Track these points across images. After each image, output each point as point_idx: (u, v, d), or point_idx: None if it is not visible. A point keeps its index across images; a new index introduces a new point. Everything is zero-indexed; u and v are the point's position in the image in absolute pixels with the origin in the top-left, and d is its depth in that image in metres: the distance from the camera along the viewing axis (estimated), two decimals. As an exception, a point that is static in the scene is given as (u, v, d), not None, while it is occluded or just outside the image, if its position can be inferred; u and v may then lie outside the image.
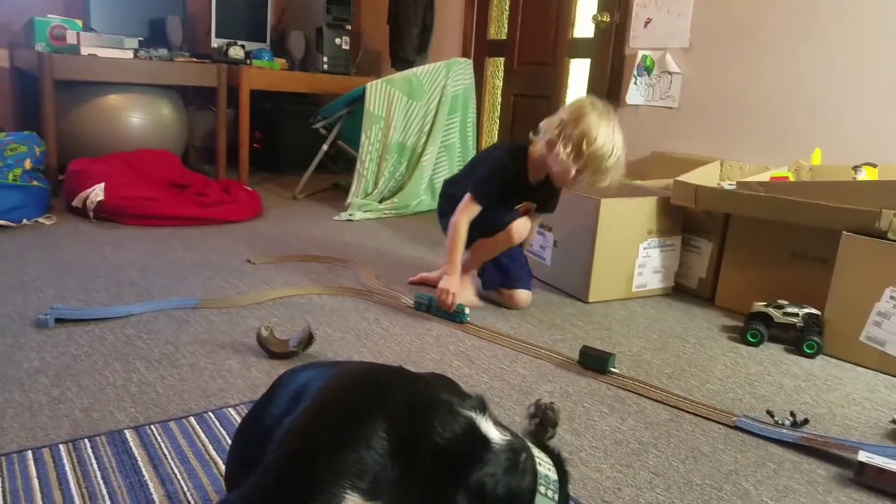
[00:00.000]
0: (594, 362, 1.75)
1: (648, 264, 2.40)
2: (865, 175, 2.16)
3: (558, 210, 2.41)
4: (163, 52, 3.83)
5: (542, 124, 2.02)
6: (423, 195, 3.63)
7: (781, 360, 1.94)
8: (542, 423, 1.29)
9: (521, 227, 2.10)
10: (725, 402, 1.65)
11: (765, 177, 2.28)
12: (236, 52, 4.09)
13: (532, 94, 3.93)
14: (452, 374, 1.64)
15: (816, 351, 1.95)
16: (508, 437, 0.86)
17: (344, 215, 3.37)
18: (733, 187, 2.28)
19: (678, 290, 2.51)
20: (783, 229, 2.15)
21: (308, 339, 1.68)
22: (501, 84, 4.16)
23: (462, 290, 2.11)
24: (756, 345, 2.02)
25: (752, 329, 2.03)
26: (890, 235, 1.85)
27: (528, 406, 1.32)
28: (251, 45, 4.25)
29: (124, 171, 3.12)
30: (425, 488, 0.77)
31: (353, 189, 3.52)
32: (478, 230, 2.10)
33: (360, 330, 1.91)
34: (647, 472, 1.32)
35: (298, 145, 4.27)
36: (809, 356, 1.96)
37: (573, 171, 1.94)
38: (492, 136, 4.29)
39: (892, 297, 1.84)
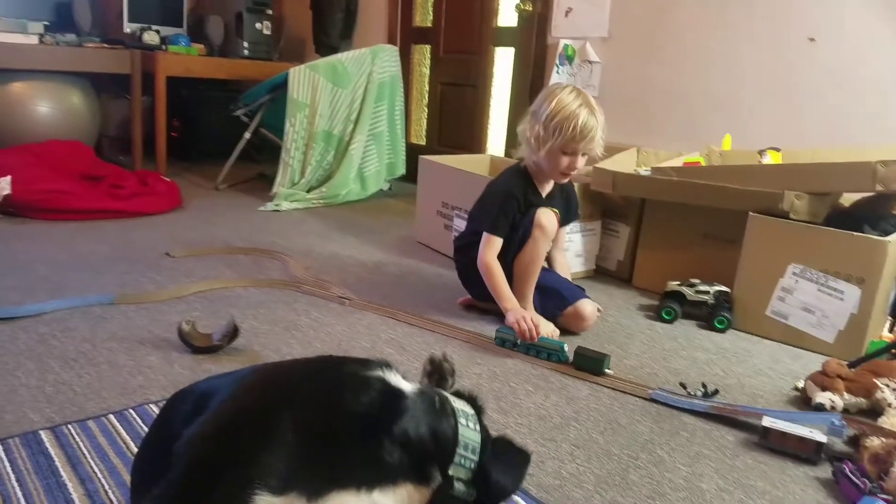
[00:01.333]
0: (589, 363, 1.71)
1: (571, 248, 2.48)
2: (770, 159, 2.30)
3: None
4: (71, 37, 3.65)
5: (518, 130, 1.98)
6: (352, 184, 3.60)
7: (694, 335, 2.05)
8: (441, 375, 1.36)
9: (546, 215, 1.93)
10: (642, 376, 1.73)
11: (678, 162, 2.39)
12: (151, 38, 3.93)
13: (459, 82, 3.96)
14: (382, 361, 1.67)
15: (726, 326, 2.07)
16: (419, 387, 0.91)
17: (270, 206, 3.32)
18: (648, 173, 2.38)
19: (599, 273, 2.60)
20: (695, 212, 2.26)
21: (233, 333, 1.65)
22: (428, 72, 4.16)
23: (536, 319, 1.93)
24: (670, 322, 2.12)
25: (667, 307, 2.13)
26: (792, 215, 1.98)
27: (424, 364, 1.38)
28: (167, 31, 4.10)
29: (33, 163, 2.96)
30: (355, 457, 0.79)
31: (278, 178, 3.46)
32: (510, 254, 1.97)
33: (288, 321, 1.90)
34: (569, 445, 1.37)
35: (219, 134, 4.14)
36: (720, 331, 2.07)
37: (555, 149, 1.86)
38: (420, 125, 4.30)
39: (794, 274, 1.97)
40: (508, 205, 1.95)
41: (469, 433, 0.89)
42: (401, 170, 3.82)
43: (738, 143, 2.61)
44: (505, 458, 0.92)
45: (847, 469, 1.28)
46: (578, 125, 1.82)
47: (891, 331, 2.04)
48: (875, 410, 1.56)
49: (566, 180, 2.01)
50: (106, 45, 3.80)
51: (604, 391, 1.63)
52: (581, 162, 1.91)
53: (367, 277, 2.37)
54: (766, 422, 1.41)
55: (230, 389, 0.87)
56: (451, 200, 2.66)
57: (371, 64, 3.58)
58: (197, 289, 2.08)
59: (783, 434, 1.39)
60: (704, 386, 1.63)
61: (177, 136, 4.38)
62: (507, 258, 1.97)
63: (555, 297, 2.00)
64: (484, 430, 0.92)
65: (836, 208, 2.14)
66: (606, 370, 1.72)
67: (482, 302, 2.08)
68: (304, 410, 0.79)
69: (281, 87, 3.45)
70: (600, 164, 2.42)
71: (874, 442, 1.31)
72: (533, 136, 1.90)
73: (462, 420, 0.89)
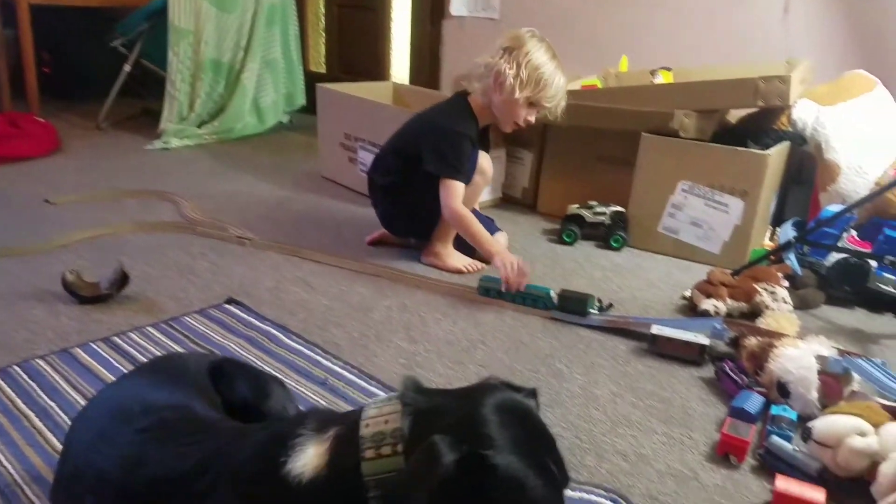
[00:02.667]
0: (574, 305, 1.66)
1: (476, 176, 2.48)
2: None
3: (390, 127, 2.36)
4: None
5: (477, 61, 1.88)
6: (247, 117, 3.44)
7: (593, 255, 2.13)
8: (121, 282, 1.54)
9: (486, 160, 1.97)
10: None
11: (576, 85, 2.41)
12: (7, -39, 3.52)
13: (356, 4, 3.79)
14: (290, 301, 1.66)
15: (622, 244, 2.16)
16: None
17: (158, 144, 3.12)
18: (547, 96, 2.39)
19: (506, 200, 2.64)
20: (592, 135, 2.30)
21: (122, 280, 1.58)
22: (323, -6, 3.97)
23: (452, 256, 1.95)
24: (571, 244, 2.20)
25: (568, 230, 2.20)
26: (681, 133, 2.05)
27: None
28: (26, -48, 3.67)
29: None
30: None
31: (165, 114, 3.23)
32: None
33: (183, 265, 1.83)
34: (475, 366, 1.42)
35: (98, 68, 3.79)
36: (616, 249, 2.16)
37: (522, 99, 1.81)
38: (319, 51, 4.13)
39: (683, 190, 2.07)
40: (466, 148, 1.85)
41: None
42: (300, 100, 3.68)
43: (636, 64, 2.65)
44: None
45: (727, 367, 1.40)
46: (558, 84, 1.82)
47: (771, 239, 2.19)
48: (755, 313, 1.69)
49: (510, 130, 1.95)
50: (-47, -30, 3.38)
51: (508, 314, 1.68)
52: (532, 119, 1.89)
53: (269, 216, 2.30)
54: (655, 329, 1.51)
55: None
56: (355, 132, 2.59)
57: (259, -14, 3.36)
58: (81, 236, 1.96)
59: (670, 340, 1.49)
60: (600, 301, 1.71)
61: (49, 72, 4.00)
62: (437, 199, 1.88)
63: None
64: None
65: (724, 125, 2.24)
66: (591, 310, 1.67)
67: (403, 238, 2.07)
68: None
69: (160, 13, 3.18)
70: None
71: (751, 341, 1.42)
72: (500, 75, 1.80)
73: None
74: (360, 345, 1.47)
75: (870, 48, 2.31)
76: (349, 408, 1.22)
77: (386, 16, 3.69)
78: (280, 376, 1.30)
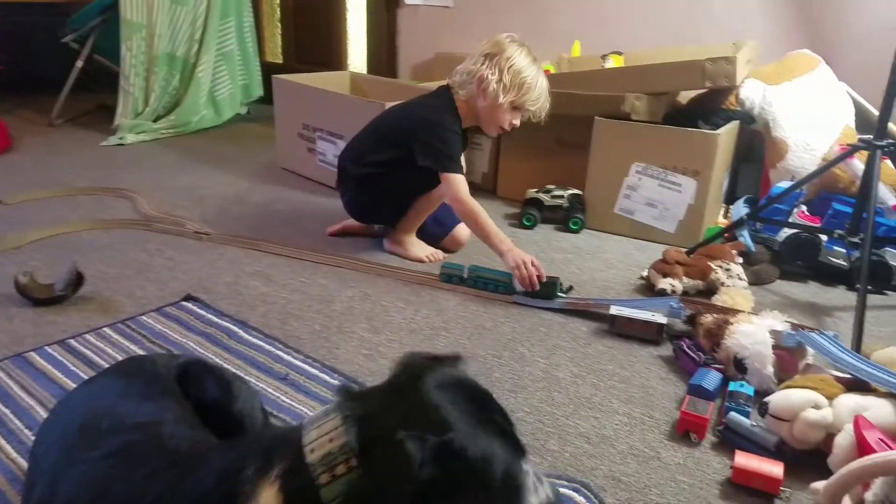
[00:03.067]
0: (542, 288, 1.67)
1: (436, 163, 2.49)
2: (613, 63, 2.38)
3: (348, 117, 2.39)
4: None
5: (458, 69, 1.88)
6: (203, 110, 3.39)
7: (553, 238, 2.16)
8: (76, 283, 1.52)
9: (463, 166, 1.93)
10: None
11: (530, 70, 2.42)
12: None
13: (311, -7, 3.75)
14: (249, 295, 1.64)
15: (580, 226, 2.19)
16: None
17: (113, 139, 3.06)
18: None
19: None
20: (548, 120, 2.29)
21: (77, 280, 1.55)
22: (277, -16, 3.91)
23: (415, 245, 1.96)
24: (531, 227, 2.22)
25: (527, 214, 2.22)
26: (633, 116, 2.08)
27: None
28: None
29: None
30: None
31: (119, 109, 3.17)
32: (421, 191, 1.90)
33: (140, 263, 1.80)
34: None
35: (51, 63, 3.69)
36: (575, 231, 2.19)
37: (507, 104, 1.81)
38: (275, 41, 4.07)
39: (637, 172, 2.10)
40: (457, 142, 1.85)
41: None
42: (258, 91, 3.63)
43: (589, 49, 2.68)
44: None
45: (685, 345, 1.43)
46: (542, 89, 1.83)
47: (725, 217, 2.24)
48: (711, 290, 1.73)
49: (494, 135, 1.96)
50: None
51: (471, 300, 1.69)
52: (517, 123, 1.89)
53: (228, 209, 2.27)
54: (614, 310, 1.54)
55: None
56: (313, 122, 2.57)
57: (211, -23, 3.30)
58: (35, 237, 1.91)
59: (629, 320, 1.52)
60: (561, 284, 1.74)
61: (2, 68, 3.88)
62: (414, 190, 1.90)
63: (435, 226, 2.01)
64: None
65: (675, 107, 2.28)
66: (560, 294, 1.69)
67: (368, 227, 2.05)
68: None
69: (112, 7, 3.13)
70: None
71: (707, 319, 1.45)
72: (483, 81, 1.80)
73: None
74: (321, 337, 1.47)
75: (812, 28, 2.37)
76: (312, 403, 1.22)
77: (341, 5, 3.65)
78: (240, 373, 1.30)
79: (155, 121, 3.26)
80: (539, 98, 1.85)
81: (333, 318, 1.56)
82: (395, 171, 1.87)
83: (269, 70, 3.49)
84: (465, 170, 1.88)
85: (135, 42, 3.11)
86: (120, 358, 1.32)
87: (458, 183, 1.80)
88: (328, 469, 0.64)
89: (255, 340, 1.43)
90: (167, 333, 1.44)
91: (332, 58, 3.74)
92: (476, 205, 1.81)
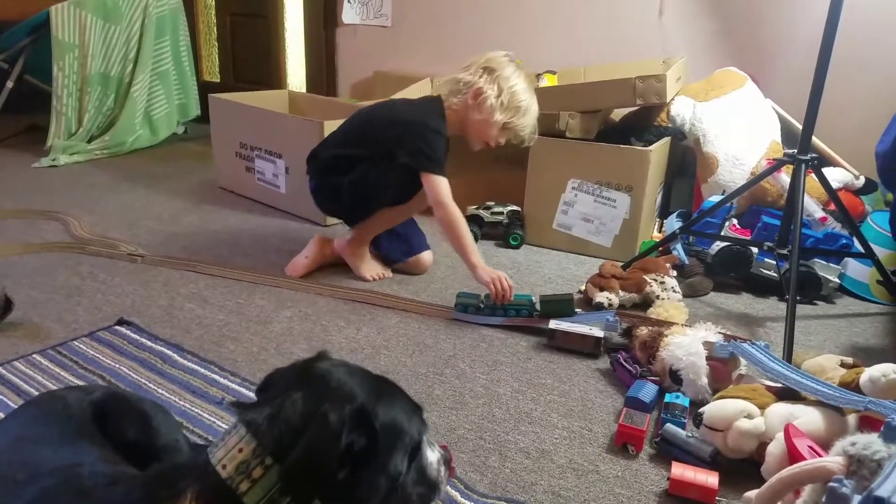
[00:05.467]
0: (560, 307, 1.66)
1: (379, 182, 2.48)
2: (547, 81, 2.43)
3: (286, 135, 2.37)
4: None
5: (450, 77, 1.85)
6: (139, 130, 3.30)
7: (493, 253, 2.18)
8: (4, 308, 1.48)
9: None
10: (446, 298, 1.81)
11: (469, 89, 2.45)
12: None
13: (248, 13, 3.72)
14: (184, 318, 1.60)
15: (520, 242, 2.22)
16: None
17: (45, 161, 2.95)
18: (443, 101, 2.42)
19: (409, 203, 2.65)
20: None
21: (5, 306, 1.49)
22: (214, 3, 3.86)
23: (364, 262, 1.91)
24: (473, 243, 2.23)
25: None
26: (567, 134, 2.13)
27: None
28: None
29: None
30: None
31: (52, 129, 3.07)
32: (389, 200, 1.85)
33: (71, 287, 1.74)
34: (379, 372, 1.40)
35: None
36: (514, 247, 2.22)
37: (500, 122, 1.78)
38: (212, 60, 4.01)
39: (573, 188, 2.14)
40: (443, 145, 1.80)
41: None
42: (195, 110, 3.56)
43: (524, 68, 2.72)
44: None
45: (621, 358, 1.45)
46: (532, 112, 1.83)
47: (660, 231, 2.31)
48: (646, 303, 1.77)
49: (477, 150, 1.90)
50: None
51: (412, 317, 1.69)
52: (503, 140, 1.87)
53: (163, 230, 2.22)
54: (552, 324, 1.56)
55: None
56: (250, 140, 2.54)
57: (146, -4, 3.24)
58: (-45, 263, 1.83)
59: (567, 333, 1.54)
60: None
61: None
62: (378, 203, 1.85)
63: (403, 244, 1.97)
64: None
65: (609, 124, 2.34)
66: (576, 311, 1.68)
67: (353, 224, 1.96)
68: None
69: (42, 27, 3.04)
70: (395, 96, 2.42)
71: (643, 331, 1.48)
72: (480, 95, 1.76)
73: None
74: (259, 359, 1.44)
75: (739, 46, 2.48)
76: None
77: (279, 24, 3.64)
78: (174, 399, 1.27)
79: (89, 141, 3.17)
80: (530, 124, 1.84)
81: (271, 340, 1.53)
82: (370, 164, 1.79)
83: (206, 89, 3.43)
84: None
85: (67, 62, 3.03)
86: (52, 386, 1.28)
87: (442, 185, 1.75)
88: (245, 476, 0.66)
89: (190, 364, 1.39)
90: (99, 359, 1.40)
91: (271, 77, 3.71)
92: (459, 212, 1.76)
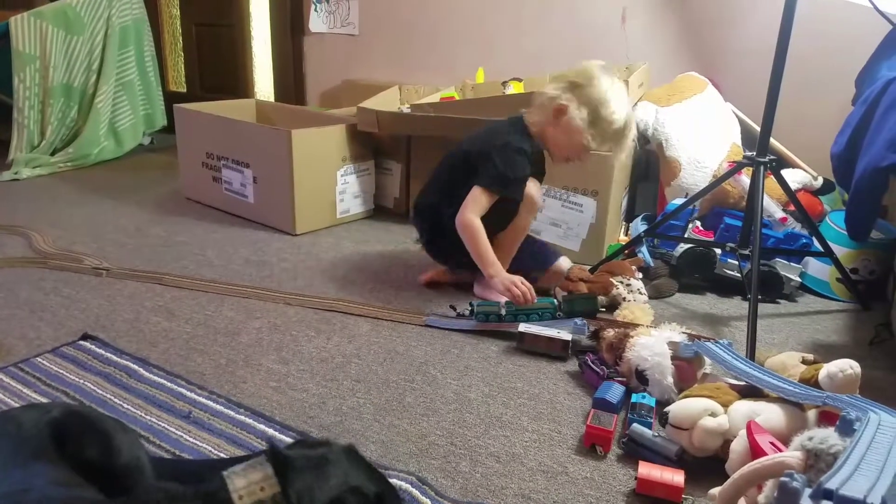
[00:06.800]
0: (584, 304, 1.69)
1: (348, 190, 2.49)
2: (513, 89, 2.46)
3: (253, 145, 2.36)
4: None
5: (540, 92, 1.75)
6: (104, 141, 3.26)
7: (464, 260, 2.18)
8: None
9: (536, 187, 1.80)
10: (419, 304, 1.81)
11: (435, 98, 2.48)
12: None
13: (214, 22, 3.70)
14: (150, 332, 1.58)
15: (491, 248, 2.23)
16: None
17: (7, 175, 2.90)
18: (409, 110, 2.44)
19: (379, 211, 2.65)
20: (452, 145, 2.35)
21: (-38, 324, 1.45)
22: (178, 13, 3.83)
23: (493, 293, 1.80)
24: (444, 250, 2.24)
25: (439, 237, 2.23)
26: (537, 139, 2.15)
27: None
28: None
29: None
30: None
31: (14, 143, 3.02)
32: (496, 222, 1.77)
33: (34, 302, 1.70)
34: (350, 381, 1.42)
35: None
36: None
37: (587, 139, 1.68)
38: (178, 70, 3.98)
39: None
40: (520, 161, 1.71)
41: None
42: (161, 121, 3.53)
43: (492, 75, 2.76)
44: None
45: (589, 360, 1.47)
46: (625, 134, 1.70)
47: (625, 234, 2.34)
48: (613, 305, 1.79)
49: (559, 164, 1.81)
50: None
51: (384, 324, 1.69)
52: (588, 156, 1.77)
53: (128, 243, 2.19)
54: (522, 328, 1.57)
55: None
56: (217, 150, 2.52)
57: (108, 7, 3.21)
58: (-89, 281, 1.79)
59: (536, 336, 1.55)
60: (472, 304, 1.75)
61: None
62: (494, 227, 1.77)
63: (532, 260, 1.93)
64: None
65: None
66: (601, 308, 1.70)
67: (457, 271, 1.91)
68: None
69: (2, 38, 2.98)
70: (364, 104, 2.43)
71: (609, 333, 1.50)
72: (563, 113, 1.68)
73: None
74: (227, 371, 1.43)
75: (699, 51, 2.53)
76: (217, 441, 1.18)
77: (245, 33, 3.62)
78: (140, 413, 1.25)
79: (52, 154, 3.12)
80: (624, 145, 1.73)
81: (240, 352, 1.52)
82: (456, 201, 1.72)
83: (173, 99, 3.40)
84: (538, 199, 1.79)
85: (28, 73, 2.98)
86: (14, 403, 1.25)
87: (477, 197, 1.69)
88: None
89: (156, 378, 1.38)
90: (63, 375, 1.37)
91: (238, 86, 3.69)
92: (477, 222, 1.70)
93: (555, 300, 1.71)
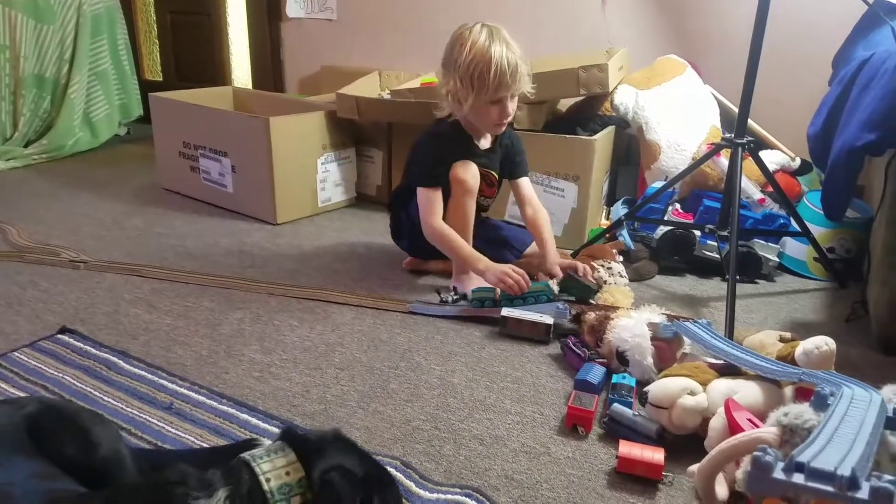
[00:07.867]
0: (579, 290, 1.68)
1: (329, 178, 2.47)
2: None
3: (231, 133, 2.33)
4: None
5: (438, 86, 1.77)
6: (79, 132, 3.20)
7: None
8: None
9: (461, 167, 1.73)
10: (403, 292, 1.81)
11: (416, 83, 2.46)
12: None
13: (189, 10, 3.64)
14: (130, 324, 1.57)
15: (473, 233, 2.23)
16: None
17: (-21, 168, 2.85)
18: (390, 96, 2.42)
19: (361, 199, 2.64)
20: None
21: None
22: (152, 0, 3.77)
23: (471, 279, 1.78)
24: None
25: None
26: (515, 125, 2.13)
27: None
28: None
29: None
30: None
31: (-15, 135, 2.97)
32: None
33: (10, 297, 1.68)
34: (334, 369, 1.42)
35: None
36: (467, 239, 2.23)
37: (480, 102, 1.65)
38: (154, 59, 3.92)
39: (523, 178, 2.16)
40: (438, 149, 1.74)
41: None
42: (137, 110, 3.47)
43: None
44: None
45: (570, 343, 1.48)
46: (499, 69, 1.60)
47: (607, 218, 2.35)
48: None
49: (502, 130, 1.77)
50: None
51: (367, 312, 1.69)
52: (512, 106, 1.69)
53: (106, 235, 2.16)
54: (504, 312, 1.58)
55: None
56: (193, 139, 2.49)
57: (79, -6, 3.14)
58: None
59: (518, 321, 1.56)
60: (455, 290, 1.76)
61: None
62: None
63: (507, 248, 1.93)
64: None
65: (556, 115, 2.37)
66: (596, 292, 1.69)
67: (427, 261, 1.93)
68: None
69: (-32, 27, 2.92)
70: (343, 90, 2.41)
71: (590, 316, 1.52)
72: (451, 93, 1.67)
73: None
74: (208, 362, 1.42)
75: (677, 34, 2.54)
76: (199, 432, 1.18)
77: (221, 20, 3.57)
78: (121, 406, 1.25)
79: (26, 146, 3.06)
80: (508, 80, 1.63)
81: (221, 342, 1.51)
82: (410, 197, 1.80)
83: (149, 88, 3.35)
84: (466, 179, 1.73)
85: (-2, 63, 2.92)
86: (-10, 400, 1.23)
87: (424, 199, 1.73)
88: (285, 499, 0.70)
89: (136, 371, 1.37)
90: (42, 369, 1.36)
91: (216, 74, 3.64)
92: (442, 226, 1.72)
93: (548, 283, 1.70)
